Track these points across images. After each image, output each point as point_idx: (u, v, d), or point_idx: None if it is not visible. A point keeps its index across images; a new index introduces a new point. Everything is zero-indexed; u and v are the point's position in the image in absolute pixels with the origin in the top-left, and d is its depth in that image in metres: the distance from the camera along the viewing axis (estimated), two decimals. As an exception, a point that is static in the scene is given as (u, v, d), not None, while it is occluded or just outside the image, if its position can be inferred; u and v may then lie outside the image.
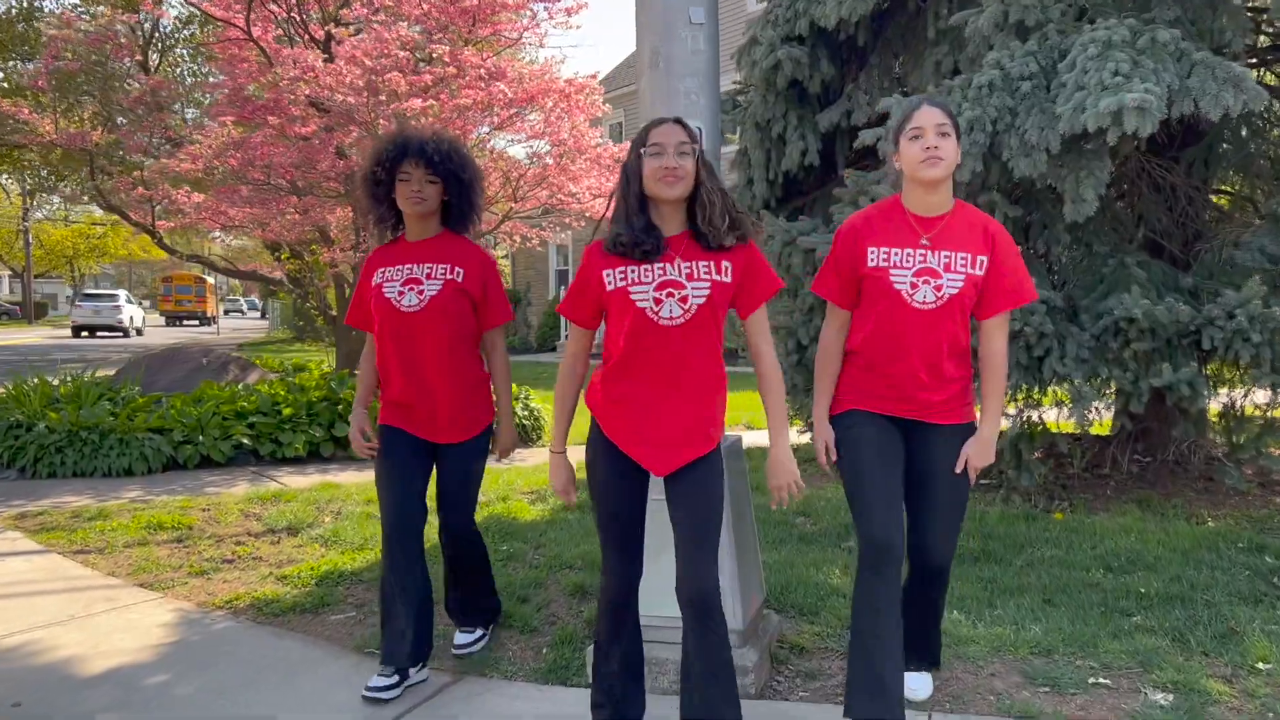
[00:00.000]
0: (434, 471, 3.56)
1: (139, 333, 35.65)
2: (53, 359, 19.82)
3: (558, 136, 10.61)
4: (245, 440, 7.87)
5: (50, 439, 7.38)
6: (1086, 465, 6.37)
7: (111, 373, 9.25)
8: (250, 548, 5.22)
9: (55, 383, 8.32)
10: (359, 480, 7.06)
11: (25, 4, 20.68)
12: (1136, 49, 4.62)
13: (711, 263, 2.69)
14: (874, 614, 2.89)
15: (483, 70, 8.98)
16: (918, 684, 3.32)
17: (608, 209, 2.83)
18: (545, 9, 10.90)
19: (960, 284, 2.87)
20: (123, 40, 9.92)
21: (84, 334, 34.19)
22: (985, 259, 2.89)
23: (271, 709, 3.29)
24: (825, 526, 5.45)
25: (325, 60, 8.40)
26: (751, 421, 10.29)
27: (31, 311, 57.44)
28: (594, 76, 10.95)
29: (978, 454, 2.98)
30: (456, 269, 3.46)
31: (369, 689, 3.33)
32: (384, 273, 3.48)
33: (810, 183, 6.83)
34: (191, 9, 14.01)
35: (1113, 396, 5.58)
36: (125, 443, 7.45)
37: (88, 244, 47.39)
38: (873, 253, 2.93)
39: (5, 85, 14.33)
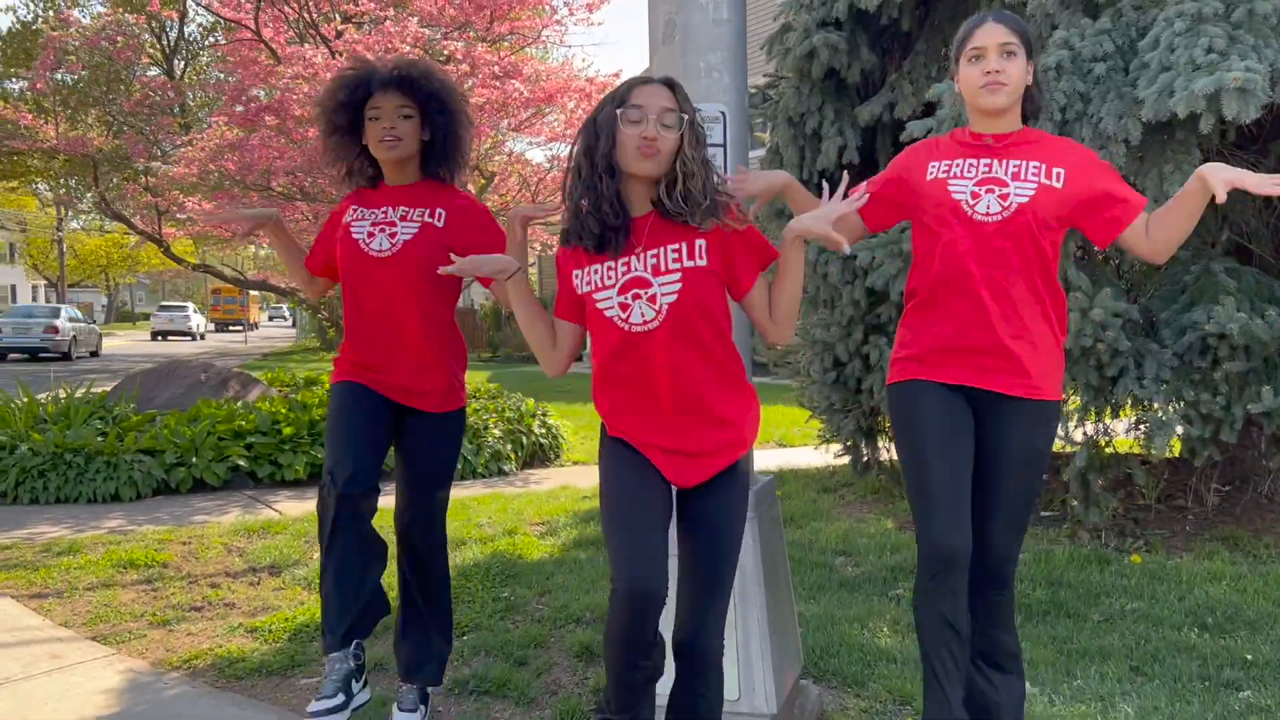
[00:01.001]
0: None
1: (202, 336, 44.36)
2: (82, 371, 19.55)
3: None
4: (242, 462, 7.35)
5: (33, 462, 6.90)
6: (1160, 496, 5.70)
7: (107, 388, 8.79)
8: (225, 591, 4.68)
9: (43, 400, 7.86)
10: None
11: (47, 13, 20.47)
12: (1231, 22, 3.99)
13: (682, 245, 2.21)
14: (942, 625, 2.50)
15: (496, 68, 8.44)
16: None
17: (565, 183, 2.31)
18: (565, 5, 10.40)
19: (1031, 192, 2.40)
20: (119, 41, 9.53)
21: (159, 338, 42.53)
22: (1063, 171, 2.43)
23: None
24: (869, 569, 4.83)
25: (329, 58, 7.91)
26: (784, 439, 9.67)
27: (113, 316, 58.21)
28: (617, 75, 10.44)
29: (1213, 169, 2.26)
30: (438, 211, 2.91)
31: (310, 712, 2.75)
32: (355, 211, 2.96)
33: (851, 183, 6.22)
34: (217, 16, 13.67)
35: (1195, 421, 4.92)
36: (113, 466, 6.96)
37: (120, 254, 47.51)
38: (933, 166, 2.53)
39: (9, 93, 14.06)
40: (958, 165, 2.49)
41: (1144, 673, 3.49)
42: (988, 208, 2.41)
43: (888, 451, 6.33)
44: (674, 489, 2.33)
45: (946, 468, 2.47)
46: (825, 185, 2.53)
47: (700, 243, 2.24)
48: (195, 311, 44.96)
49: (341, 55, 7.90)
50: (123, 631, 4.15)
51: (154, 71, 16.72)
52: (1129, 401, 4.61)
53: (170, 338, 42.77)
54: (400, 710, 3.12)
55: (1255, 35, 3.93)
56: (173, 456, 7.18)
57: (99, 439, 7.19)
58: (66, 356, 26.12)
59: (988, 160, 2.47)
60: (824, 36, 5.56)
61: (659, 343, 2.19)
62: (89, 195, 11.03)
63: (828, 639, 3.82)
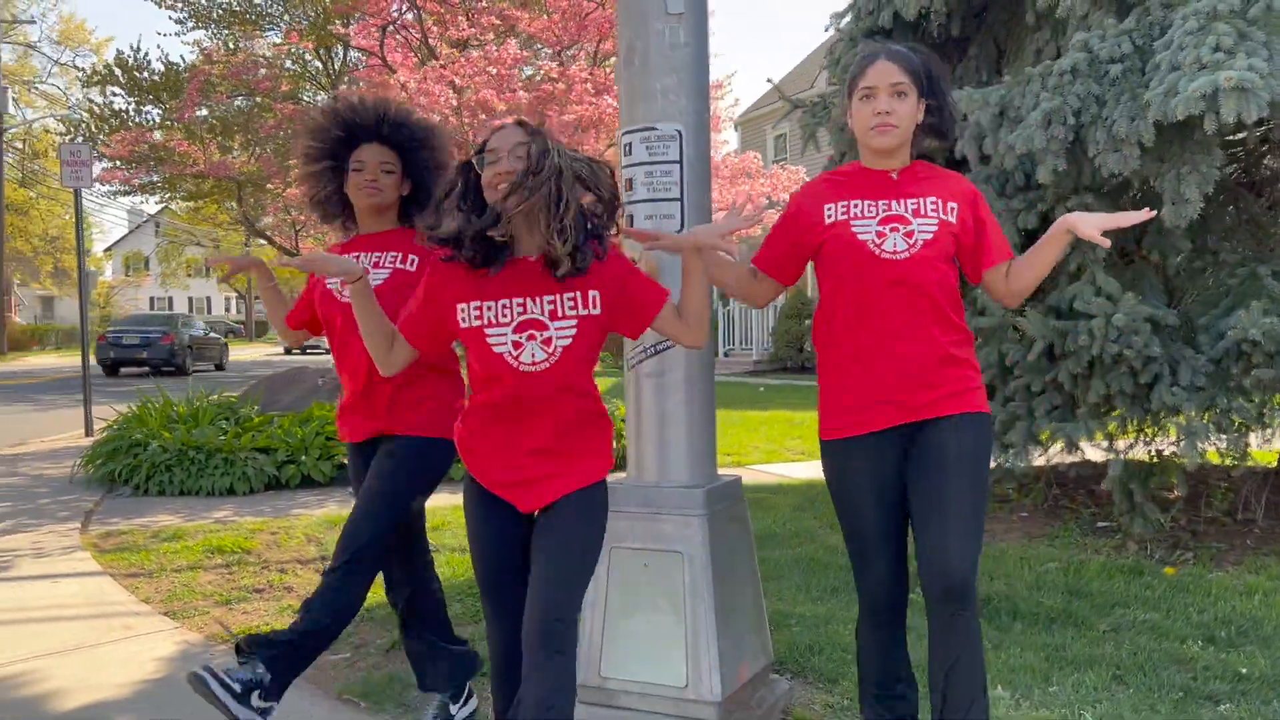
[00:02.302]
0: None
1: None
2: (252, 375, 21.06)
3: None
4: (346, 461, 7.90)
5: (161, 457, 7.64)
6: (1229, 509, 5.48)
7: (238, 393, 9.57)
8: (290, 576, 5.14)
9: (177, 401, 8.65)
10: (448, 503, 6.92)
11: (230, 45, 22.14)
12: (1246, 19, 3.87)
13: (577, 293, 2.33)
14: (884, 656, 2.66)
15: (590, 85, 8.76)
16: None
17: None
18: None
19: (934, 228, 2.43)
20: (261, 71, 10.37)
21: (295, 351, 38.68)
22: (955, 205, 2.47)
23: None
24: (894, 573, 4.86)
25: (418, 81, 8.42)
26: (740, 459, 9.35)
27: (253, 330, 62.04)
28: (718, 86, 10.59)
29: (1080, 217, 2.40)
30: (410, 257, 3.03)
31: None
32: None
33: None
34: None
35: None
36: (230, 462, 7.63)
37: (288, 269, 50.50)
38: (830, 209, 2.53)
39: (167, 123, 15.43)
40: (856, 205, 2.50)
41: (1125, 682, 3.45)
42: (894, 245, 2.43)
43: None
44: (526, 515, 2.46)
45: (877, 522, 2.55)
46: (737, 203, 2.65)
47: (593, 292, 2.34)
48: None
49: (429, 80, 8.38)
50: (190, 609, 4.63)
51: (321, 97, 17.94)
52: (1162, 409, 4.49)
53: (309, 351, 40.40)
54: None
55: (1269, 32, 3.80)
56: (284, 454, 7.80)
57: (220, 438, 7.88)
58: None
59: (886, 200, 2.49)
60: (869, 45, 5.59)
61: (545, 383, 2.31)
62: (235, 213, 12.02)
63: (816, 637, 3.92)
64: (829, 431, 2.60)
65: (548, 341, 2.30)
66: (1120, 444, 4.92)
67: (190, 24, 17.76)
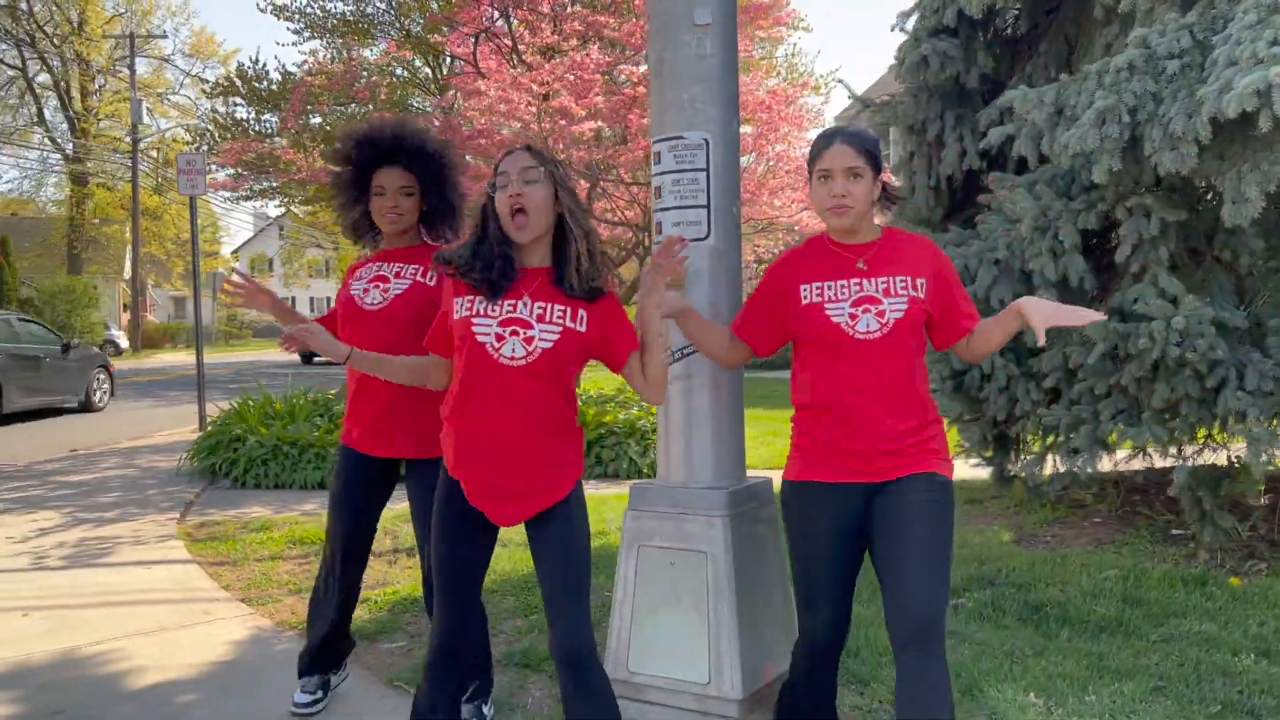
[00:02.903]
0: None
1: None
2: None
3: (765, 150, 10.31)
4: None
5: (258, 452, 8.04)
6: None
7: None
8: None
9: (275, 398, 9.07)
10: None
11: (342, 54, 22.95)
12: (1312, 11, 3.73)
13: (567, 309, 2.48)
14: (810, 688, 2.77)
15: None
16: None
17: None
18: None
19: (904, 307, 2.51)
20: (361, 80, 10.83)
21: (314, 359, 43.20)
22: (925, 281, 2.55)
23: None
24: (955, 578, 4.78)
25: (498, 88, 8.63)
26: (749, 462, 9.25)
27: None
28: (804, 85, 10.55)
29: (1033, 306, 2.48)
30: (430, 274, 3.19)
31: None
32: (355, 274, 3.33)
33: (979, 189, 6.14)
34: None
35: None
36: (321, 456, 7.97)
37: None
38: (805, 290, 2.61)
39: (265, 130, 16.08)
40: (830, 288, 2.57)
41: (1165, 693, 3.38)
42: (867, 326, 2.50)
43: (1019, 458, 6.16)
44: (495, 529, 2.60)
45: (829, 570, 2.61)
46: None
47: (583, 312, 2.48)
48: None
49: (507, 88, 8.58)
50: (266, 596, 4.90)
51: (428, 105, 18.45)
52: (1228, 415, 4.35)
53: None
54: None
55: (1334, 23, 3.65)
56: (372, 451, 8.09)
57: (314, 433, 8.24)
58: None
59: (858, 280, 2.55)
60: (933, 44, 5.55)
61: (517, 376, 2.42)
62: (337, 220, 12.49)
63: (854, 640, 3.92)
64: (794, 473, 2.66)
65: (529, 340, 2.43)
66: (1189, 449, 4.76)
67: (306, 34, 18.49)
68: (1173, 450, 4.88)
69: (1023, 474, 5.77)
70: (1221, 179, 4.02)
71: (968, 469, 7.10)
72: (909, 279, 2.54)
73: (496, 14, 10.93)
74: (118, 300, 47.42)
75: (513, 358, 2.43)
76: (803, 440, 2.67)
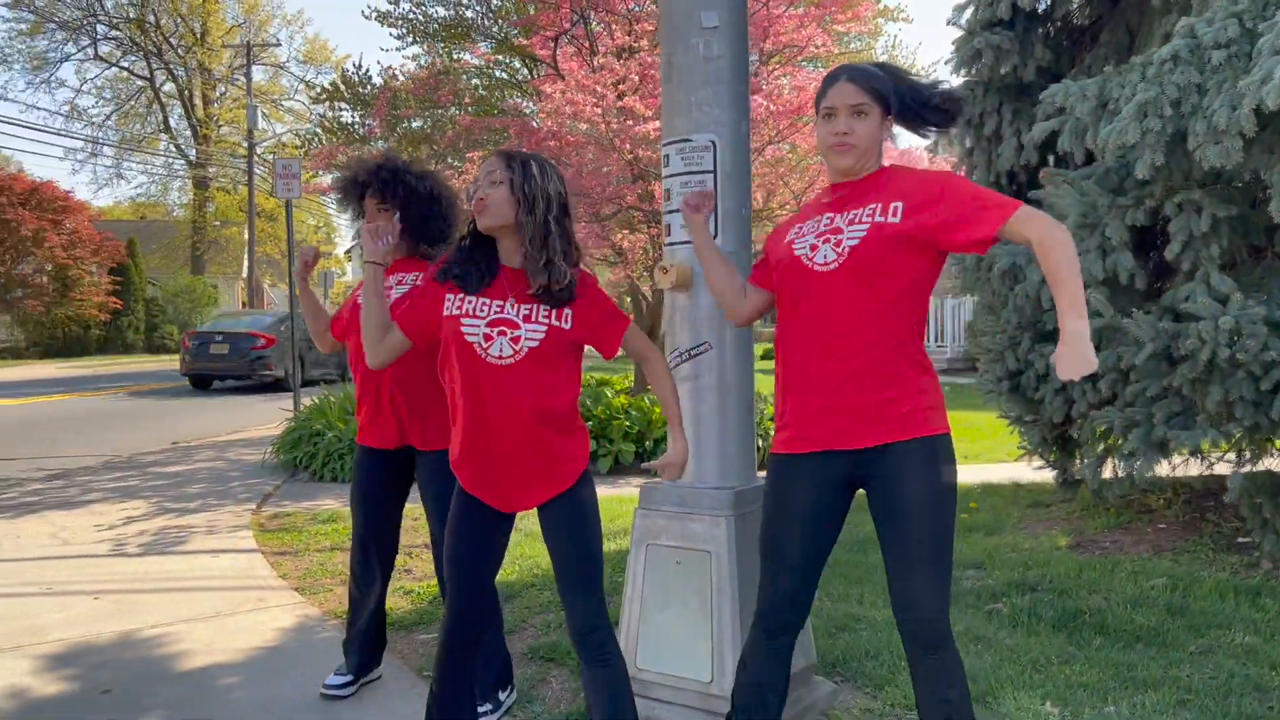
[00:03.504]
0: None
1: None
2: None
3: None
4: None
5: (335, 446, 8.33)
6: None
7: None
8: (413, 560, 5.54)
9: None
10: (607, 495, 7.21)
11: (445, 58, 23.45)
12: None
13: (551, 309, 2.58)
14: (752, 659, 2.65)
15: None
16: None
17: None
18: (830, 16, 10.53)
19: (862, 233, 2.38)
20: (444, 85, 11.13)
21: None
22: (900, 204, 2.37)
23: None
24: (990, 583, 4.72)
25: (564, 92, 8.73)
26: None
27: None
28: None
29: (1066, 359, 2.14)
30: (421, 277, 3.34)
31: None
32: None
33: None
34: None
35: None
36: (396, 452, 8.21)
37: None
38: (790, 234, 2.57)
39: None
40: (807, 225, 2.53)
41: (1188, 706, 3.27)
42: (825, 257, 2.42)
43: (1080, 461, 5.99)
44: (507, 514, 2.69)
45: (793, 548, 2.52)
46: None
47: (567, 311, 2.58)
48: None
49: (573, 89, 8.68)
50: (318, 585, 5.09)
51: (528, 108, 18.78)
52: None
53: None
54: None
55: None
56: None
57: (388, 429, 8.48)
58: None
59: (830, 215, 2.49)
60: (986, 38, 5.43)
61: (506, 375, 2.53)
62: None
63: (877, 643, 3.90)
64: (777, 445, 2.59)
65: (516, 340, 2.53)
66: (1248, 454, 4.57)
67: (409, 39, 18.97)
68: (1232, 455, 4.68)
69: (1083, 477, 5.61)
70: (1270, 173, 3.85)
71: (1031, 471, 6.94)
72: (878, 205, 2.40)
73: (576, 16, 11.06)
74: (236, 299, 49.44)
75: (500, 357, 2.53)
76: (780, 404, 2.58)
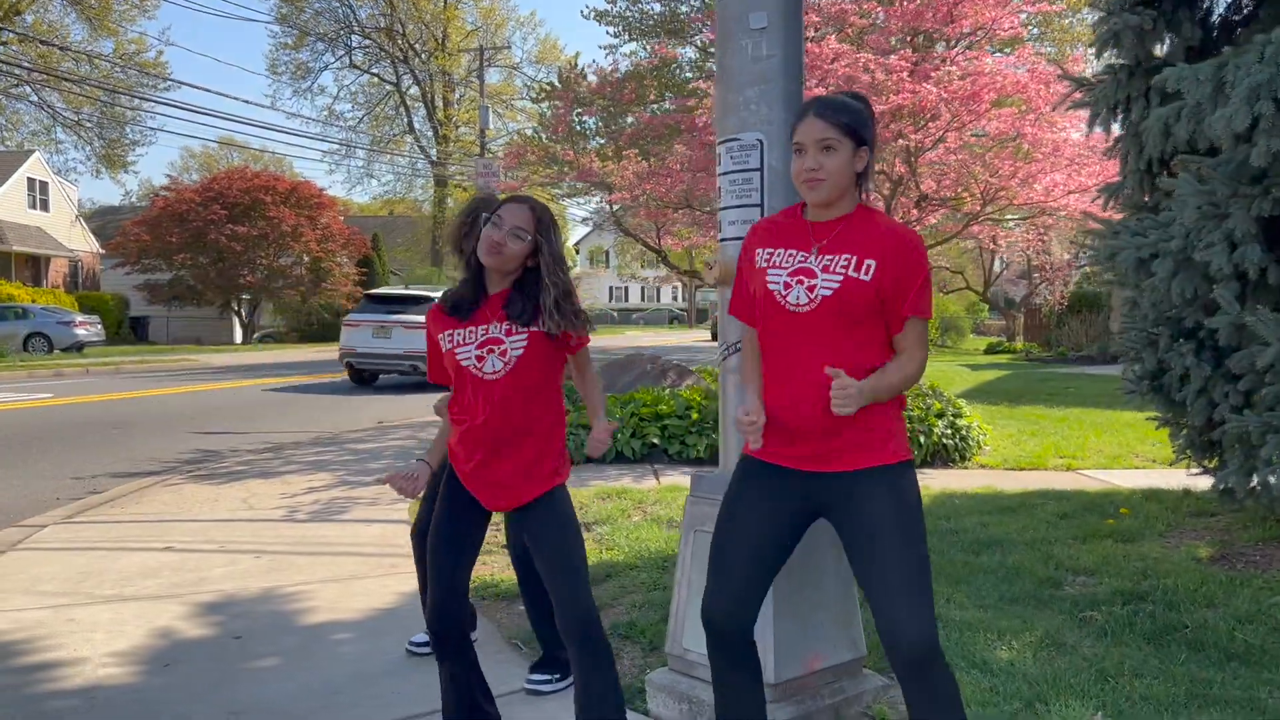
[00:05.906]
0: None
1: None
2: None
3: (1026, 132, 9.80)
4: (655, 440, 8.63)
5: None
6: None
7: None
8: (538, 538, 5.86)
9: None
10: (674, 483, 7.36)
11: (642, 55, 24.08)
12: None
13: (526, 326, 2.87)
14: (717, 673, 2.73)
15: (906, 73, 8.68)
16: None
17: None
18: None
19: (836, 285, 2.45)
20: (627, 86, 11.51)
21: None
22: (874, 263, 2.43)
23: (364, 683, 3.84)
24: (1095, 590, 4.52)
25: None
26: (1071, 463, 8.53)
27: (693, 317, 66.40)
28: (1056, 65, 9.88)
29: (835, 390, 2.34)
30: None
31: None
32: None
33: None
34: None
35: None
36: (570, 434, 8.63)
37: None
38: (760, 253, 2.63)
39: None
40: (778, 255, 2.57)
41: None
42: (798, 298, 2.49)
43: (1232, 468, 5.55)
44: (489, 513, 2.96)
45: (739, 554, 2.57)
46: None
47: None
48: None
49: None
50: (446, 556, 5.50)
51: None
52: None
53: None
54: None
55: None
56: (601, 432, 8.66)
57: (572, 413, 8.93)
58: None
59: (804, 253, 2.53)
60: (1124, 19, 5.13)
61: (503, 385, 2.82)
62: (605, 213, 13.34)
63: (950, 645, 3.84)
64: (748, 447, 2.65)
65: (503, 353, 2.83)
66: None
67: (625, 37, 19.63)
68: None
69: (1230, 485, 5.23)
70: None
71: (1187, 478, 6.49)
72: (853, 258, 2.45)
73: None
74: (472, 289, 52.58)
75: (494, 372, 2.83)
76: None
